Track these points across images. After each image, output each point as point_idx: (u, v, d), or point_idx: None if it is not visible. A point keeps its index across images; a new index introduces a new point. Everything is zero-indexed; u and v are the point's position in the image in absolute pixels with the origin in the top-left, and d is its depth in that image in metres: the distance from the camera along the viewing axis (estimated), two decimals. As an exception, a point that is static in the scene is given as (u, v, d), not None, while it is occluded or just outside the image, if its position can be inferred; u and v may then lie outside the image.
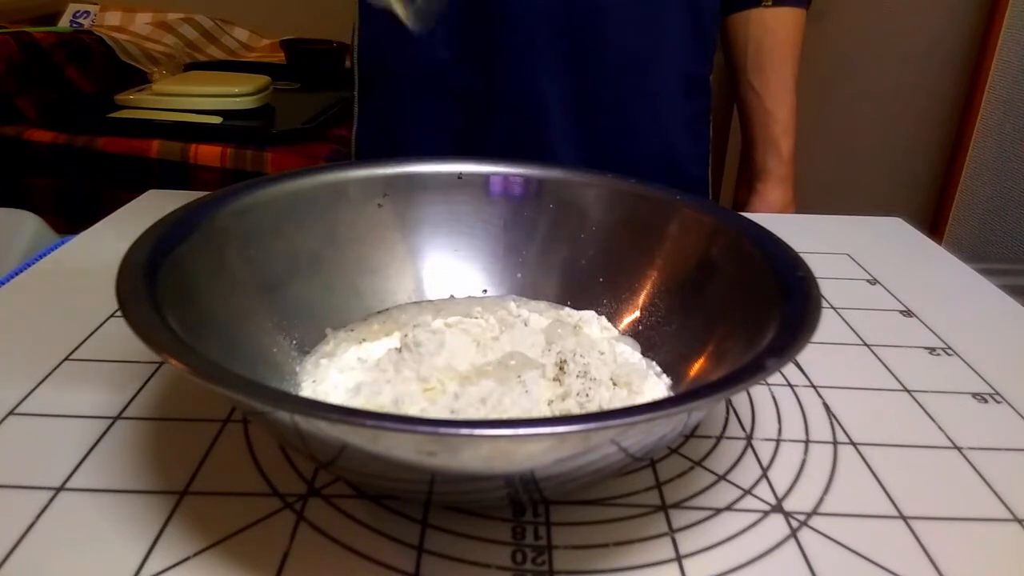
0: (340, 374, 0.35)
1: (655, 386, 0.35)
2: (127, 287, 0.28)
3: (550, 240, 0.43)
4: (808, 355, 0.43)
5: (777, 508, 0.31)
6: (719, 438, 0.36)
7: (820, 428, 0.37)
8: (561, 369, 0.33)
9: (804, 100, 0.78)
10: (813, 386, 0.40)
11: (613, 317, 0.40)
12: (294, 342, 0.36)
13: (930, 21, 1.56)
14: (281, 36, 1.41)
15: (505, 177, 0.43)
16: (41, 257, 0.52)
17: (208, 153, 1.02)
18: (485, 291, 0.43)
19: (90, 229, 0.56)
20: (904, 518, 0.31)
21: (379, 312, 0.40)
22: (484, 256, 0.43)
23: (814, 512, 0.31)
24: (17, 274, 0.49)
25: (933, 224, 1.67)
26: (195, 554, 0.28)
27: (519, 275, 0.43)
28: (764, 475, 0.33)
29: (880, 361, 0.43)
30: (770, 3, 0.74)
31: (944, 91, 1.60)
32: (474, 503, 0.31)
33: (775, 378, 0.41)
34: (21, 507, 0.30)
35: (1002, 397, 0.40)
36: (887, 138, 1.64)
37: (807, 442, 0.36)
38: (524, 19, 0.64)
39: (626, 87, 0.67)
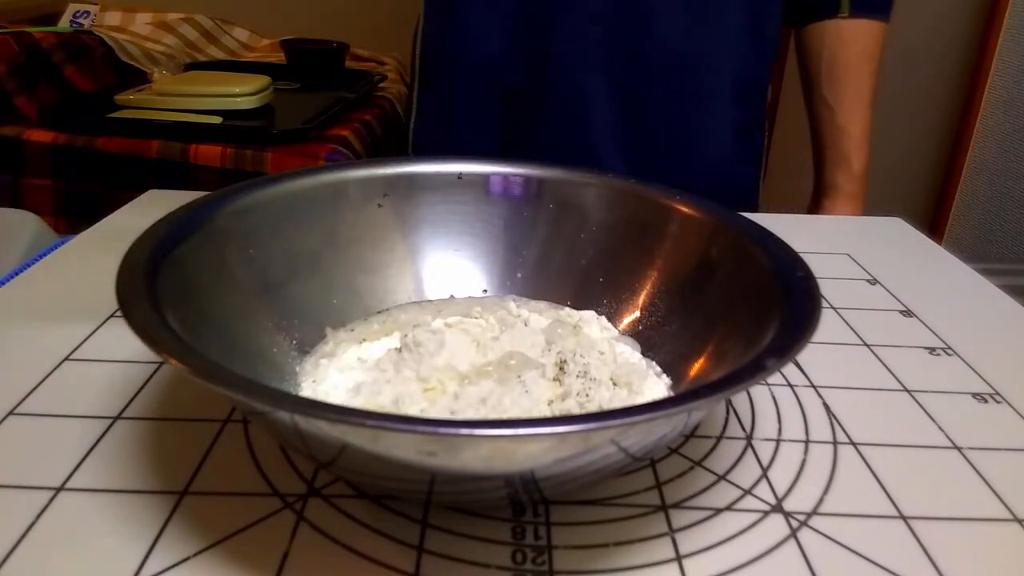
0: (340, 374, 0.35)
1: (655, 386, 0.35)
2: (127, 287, 0.28)
3: (550, 240, 0.43)
4: (808, 355, 0.43)
5: (777, 508, 0.31)
6: (719, 438, 0.36)
7: (820, 428, 0.37)
8: (561, 369, 0.33)
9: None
10: (813, 386, 0.40)
11: (613, 317, 0.40)
12: (294, 342, 0.37)
13: (930, 21, 1.56)
14: (281, 36, 1.41)
15: (505, 177, 0.43)
16: (41, 257, 0.52)
17: (208, 153, 1.02)
18: (485, 291, 0.43)
19: (90, 229, 0.56)
20: (904, 518, 0.31)
21: (379, 312, 0.40)
22: (484, 256, 0.43)
23: (814, 512, 0.31)
24: (17, 274, 0.49)
25: (933, 224, 1.67)
26: (195, 554, 0.28)
27: (519, 275, 0.43)
28: (764, 475, 0.33)
29: (880, 361, 0.43)
30: (846, 14, 0.72)
31: (944, 91, 1.60)
32: (474, 503, 0.31)
33: (775, 378, 0.41)
34: (21, 507, 0.30)
35: (1002, 397, 0.40)
36: (887, 138, 1.64)
37: (807, 442, 0.36)
38: (573, 15, 0.64)
39: (674, 88, 0.67)
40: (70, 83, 1.18)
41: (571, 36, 0.65)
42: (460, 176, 0.42)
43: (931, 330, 0.47)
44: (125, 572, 0.27)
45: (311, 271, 0.39)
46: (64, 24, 1.40)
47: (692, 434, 0.36)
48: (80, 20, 1.41)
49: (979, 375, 0.42)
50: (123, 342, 0.41)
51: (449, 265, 0.43)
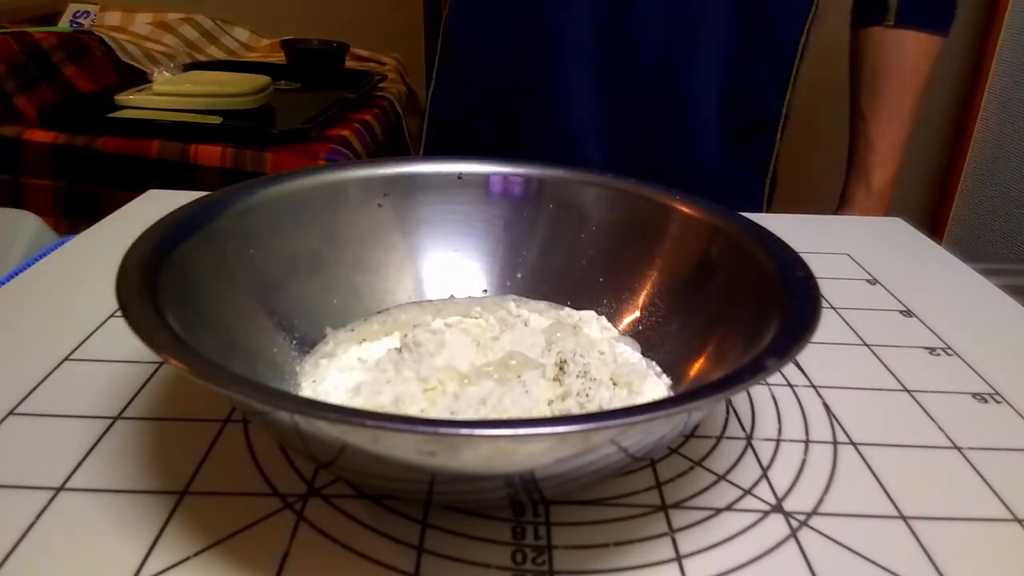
0: (340, 374, 0.35)
1: (655, 386, 0.35)
2: (127, 287, 0.28)
3: (550, 240, 0.43)
4: (808, 355, 0.43)
5: (777, 508, 0.31)
6: (719, 438, 0.36)
7: (820, 428, 0.37)
8: (561, 369, 0.33)
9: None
10: (813, 386, 0.40)
11: (613, 317, 0.40)
12: (294, 342, 0.36)
13: (930, 21, 1.56)
14: (281, 36, 1.41)
15: (505, 177, 0.43)
16: (41, 257, 0.52)
17: (208, 153, 1.02)
18: (485, 291, 0.43)
19: (90, 229, 0.56)
20: (904, 518, 0.31)
21: (379, 312, 0.40)
22: (484, 256, 0.43)
23: (814, 512, 0.31)
24: (17, 274, 0.49)
25: (933, 224, 1.67)
26: (195, 554, 0.28)
27: (519, 275, 0.43)
28: (764, 475, 0.33)
29: (880, 361, 0.43)
30: (892, 23, 0.67)
31: (944, 91, 1.60)
32: (474, 503, 0.31)
33: (775, 378, 0.41)
34: (21, 507, 0.30)
35: (1002, 397, 0.40)
36: (887, 138, 1.64)
37: (807, 442, 0.36)
38: (558, 15, 0.65)
39: (656, 88, 0.67)
40: (70, 83, 1.18)
41: (555, 35, 0.65)
42: (460, 176, 0.42)
43: (931, 330, 0.47)
44: (125, 572, 0.27)
45: (311, 271, 0.39)
46: (64, 24, 1.40)
47: (692, 434, 0.36)
48: (80, 20, 1.41)
49: (979, 375, 0.42)
50: (123, 342, 0.41)
51: (449, 265, 0.43)
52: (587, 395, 0.32)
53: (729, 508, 0.31)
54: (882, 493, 0.32)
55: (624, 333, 0.39)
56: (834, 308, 0.49)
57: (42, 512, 0.30)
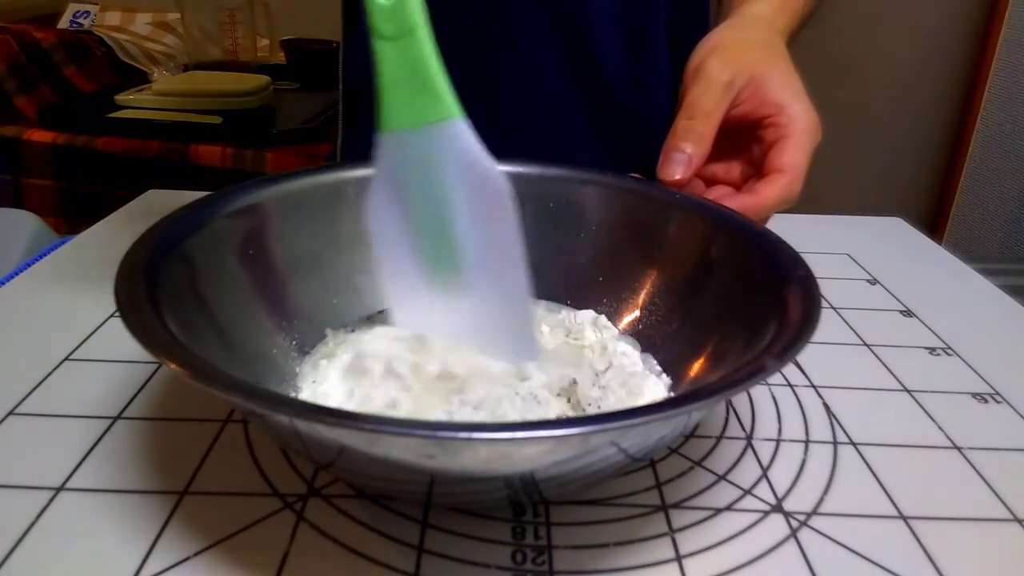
0: (340, 374, 0.35)
1: (655, 387, 0.35)
2: (125, 288, 0.28)
3: (549, 239, 0.42)
4: (808, 355, 0.43)
5: (777, 508, 0.31)
6: (719, 438, 0.36)
7: (820, 428, 0.37)
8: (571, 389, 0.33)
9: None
10: (813, 386, 0.40)
11: (613, 316, 0.40)
12: (294, 343, 0.36)
13: (930, 21, 1.56)
14: (281, 36, 1.41)
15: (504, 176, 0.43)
16: (41, 257, 0.52)
17: (208, 153, 1.02)
18: None
19: (90, 229, 0.56)
20: (904, 518, 0.31)
21: (379, 312, 0.40)
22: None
23: (814, 512, 0.31)
24: (17, 274, 0.49)
25: (933, 224, 1.67)
26: (195, 554, 0.28)
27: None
28: (764, 475, 0.33)
29: (880, 361, 0.43)
30: None
31: (944, 91, 1.60)
32: (474, 504, 0.31)
33: (775, 378, 0.41)
34: (21, 507, 0.30)
35: (1002, 397, 0.40)
36: (887, 138, 1.64)
37: (807, 442, 0.36)
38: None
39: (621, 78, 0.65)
40: (70, 83, 1.18)
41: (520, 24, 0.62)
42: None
43: (931, 330, 0.47)
44: (125, 572, 0.27)
45: (311, 271, 0.39)
46: (64, 24, 1.40)
47: (692, 434, 0.36)
48: (80, 20, 1.41)
49: (979, 375, 0.42)
50: (123, 342, 0.41)
51: (449, 265, 0.42)
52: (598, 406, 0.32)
53: (729, 508, 0.31)
54: (882, 493, 0.32)
55: (624, 332, 0.39)
56: (834, 308, 0.49)
57: (42, 512, 0.30)
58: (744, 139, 0.44)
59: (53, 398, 0.37)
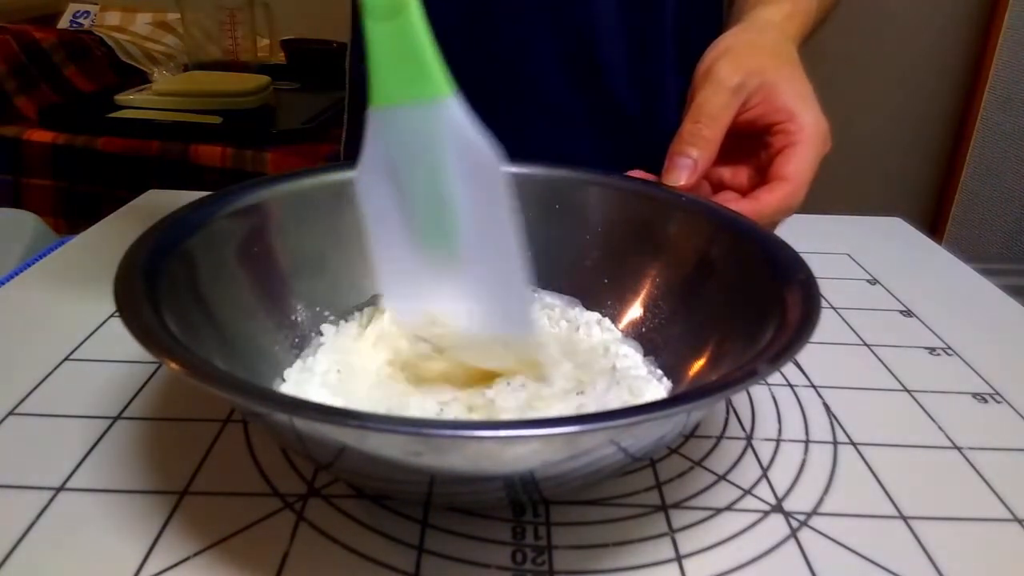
0: (338, 374, 0.35)
1: (656, 389, 0.35)
2: (125, 288, 0.28)
3: (554, 241, 0.42)
4: (808, 355, 0.43)
5: (777, 508, 0.31)
6: (719, 438, 0.36)
7: (820, 428, 0.37)
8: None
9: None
10: (813, 386, 0.40)
11: (617, 318, 0.40)
12: (295, 342, 0.36)
13: (930, 21, 1.56)
14: (281, 36, 1.41)
15: (508, 177, 0.43)
16: (41, 257, 0.52)
17: (208, 153, 1.02)
18: None
19: (90, 229, 0.56)
20: (904, 518, 0.31)
21: (380, 312, 0.40)
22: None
23: (814, 512, 0.31)
24: (17, 274, 0.49)
25: (933, 224, 1.67)
26: (195, 554, 0.28)
27: (522, 275, 0.43)
28: (764, 475, 0.33)
29: (880, 361, 0.43)
30: None
31: (944, 91, 1.60)
32: (473, 504, 0.31)
33: (775, 378, 0.41)
34: (21, 507, 0.30)
35: (1002, 397, 0.40)
36: (887, 138, 1.64)
37: (807, 442, 0.36)
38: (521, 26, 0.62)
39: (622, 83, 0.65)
40: (70, 83, 1.18)
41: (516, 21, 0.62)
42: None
43: (931, 330, 0.47)
44: (125, 572, 0.27)
45: (312, 271, 0.39)
46: (64, 24, 1.40)
47: (692, 434, 0.36)
48: (80, 20, 1.41)
49: (979, 375, 0.42)
50: (123, 342, 0.41)
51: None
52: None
53: (729, 508, 0.31)
54: (882, 493, 0.32)
55: (627, 334, 0.39)
56: (834, 308, 0.49)
57: (42, 512, 0.30)
58: (753, 144, 0.44)
59: (53, 398, 0.37)
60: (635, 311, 0.40)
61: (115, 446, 0.34)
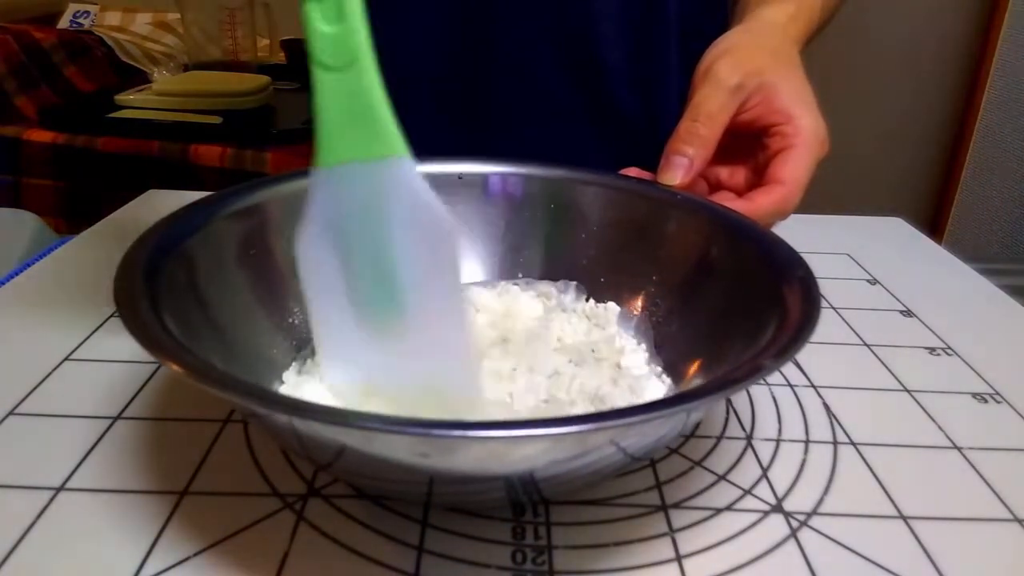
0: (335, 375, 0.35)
1: (657, 387, 0.35)
2: (125, 288, 0.28)
3: (551, 240, 0.43)
4: (808, 355, 0.43)
5: (777, 508, 0.31)
6: (719, 438, 0.36)
7: (820, 428, 0.37)
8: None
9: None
10: (813, 386, 0.40)
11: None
12: (294, 343, 0.36)
13: (930, 21, 1.56)
14: (281, 36, 1.41)
15: (505, 177, 0.43)
16: (41, 257, 0.52)
17: (208, 153, 1.02)
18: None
19: (90, 229, 0.56)
20: (904, 518, 0.31)
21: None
22: (485, 257, 0.43)
23: (814, 512, 0.31)
24: (17, 274, 0.49)
25: (933, 224, 1.67)
26: (195, 554, 0.28)
27: (520, 275, 0.43)
28: (764, 475, 0.33)
29: (880, 361, 0.43)
30: None
31: (944, 91, 1.60)
32: (473, 504, 0.31)
33: (775, 378, 0.41)
34: (21, 507, 0.30)
35: (1002, 397, 0.40)
36: (887, 138, 1.64)
37: (807, 442, 0.36)
38: (520, 28, 0.62)
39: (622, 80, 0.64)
40: (70, 83, 1.18)
41: (519, 42, 0.62)
42: (460, 176, 0.42)
43: (931, 330, 0.47)
44: (125, 572, 0.27)
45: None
46: (64, 24, 1.40)
47: (692, 434, 0.36)
48: (80, 20, 1.41)
49: (979, 375, 0.42)
50: (123, 342, 0.41)
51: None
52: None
53: (729, 508, 0.31)
54: (882, 493, 0.32)
55: (624, 333, 0.39)
56: (834, 308, 0.49)
57: (42, 512, 0.30)
58: (751, 145, 0.44)
59: (53, 398, 0.37)
60: (633, 310, 0.40)
61: (115, 446, 0.34)
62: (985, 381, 0.41)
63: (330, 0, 0.27)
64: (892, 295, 0.51)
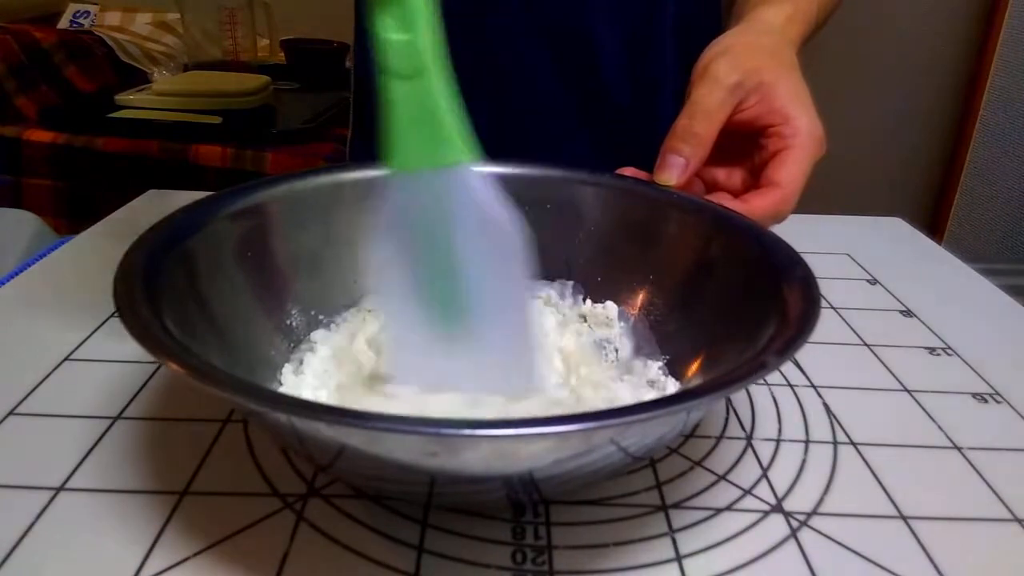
0: (316, 376, 0.35)
1: (657, 387, 0.35)
2: (124, 288, 0.28)
3: (548, 240, 0.42)
4: (808, 355, 0.43)
5: (777, 508, 0.31)
6: (719, 438, 0.36)
7: (820, 428, 0.37)
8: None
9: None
10: (813, 386, 0.40)
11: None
12: (290, 345, 0.36)
13: (930, 21, 1.56)
14: (281, 36, 1.41)
15: (501, 178, 0.43)
16: (41, 257, 0.52)
17: (208, 153, 1.02)
18: None
19: (90, 229, 0.56)
20: (904, 518, 0.31)
21: (370, 311, 0.40)
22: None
23: (814, 512, 0.31)
24: (17, 274, 0.49)
25: (933, 224, 1.67)
26: (195, 554, 0.28)
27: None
28: (764, 475, 0.33)
29: (880, 361, 0.43)
30: None
31: (944, 91, 1.60)
32: (473, 504, 0.31)
33: (775, 378, 0.41)
34: (21, 507, 0.30)
35: (1002, 397, 0.40)
36: (887, 138, 1.64)
37: (807, 442, 0.36)
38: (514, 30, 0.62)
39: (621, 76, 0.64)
40: (70, 83, 1.18)
41: (513, 48, 0.62)
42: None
43: (931, 330, 0.47)
44: (125, 572, 0.27)
45: (310, 272, 0.39)
46: (64, 24, 1.39)
47: (692, 434, 0.36)
48: (80, 20, 1.40)
49: (979, 375, 0.42)
50: (123, 342, 0.41)
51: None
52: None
53: (729, 508, 0.31)
54: (882, 493, 0.32)
55: (622, 334, 0.39)
56: (834, 308, 0.49)
57: (42, 512, 0.30)
58: (748, 146, 0.44)
59: (53, 398, 0.37)
60: (631, 310, 0.40)
61: (115, 446, 0.34)
62: (985, 381, 0.41)
63: (399, 9, 0.27)
64: (892, 295, 0.51)
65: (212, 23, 1.26)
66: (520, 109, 0.64)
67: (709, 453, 0.35)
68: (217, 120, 1.06)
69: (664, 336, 0.38)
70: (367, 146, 0.71)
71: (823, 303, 0.37)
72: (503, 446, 0.23)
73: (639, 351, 0.38)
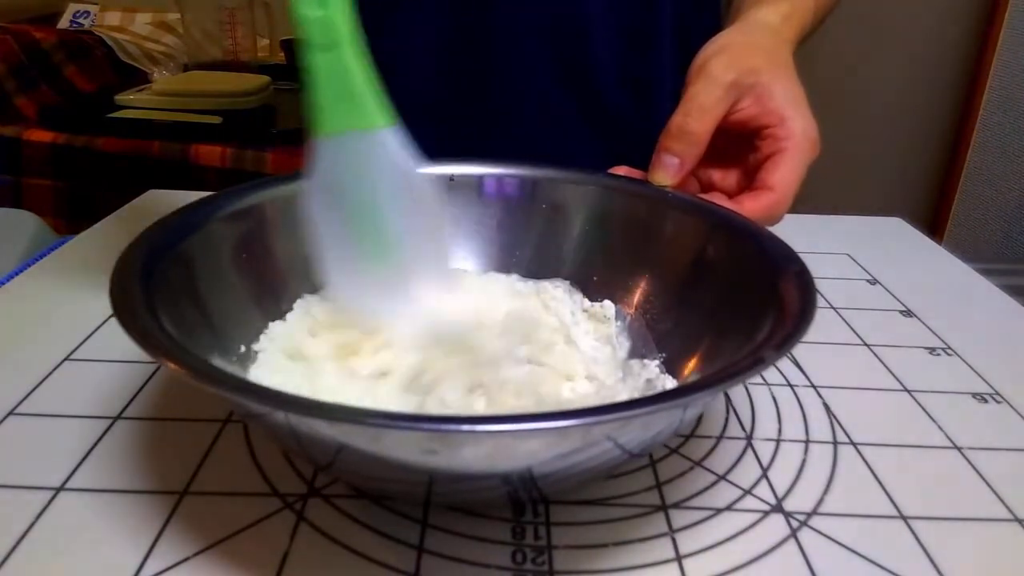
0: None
1: (657, 385, 0.35)
2: (121, 289, 0.28)
3: (544, 240, 0.42)
4: (808, 355, 0.43)
5: (777, 508, 0.31)
6: (719, 438, 0.36)
7: (820, 428, 0.37)
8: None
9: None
10: (813, 386, 0.40)
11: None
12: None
13: (930, 21, 1.56)
14: (281, 36, 1.41)
15: (498, 178, 0.43)
16: (41, 257, 0.52)
17: (208, 153, 1.02)
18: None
19: (90, 229, 0.56)
20: (904, 518, 0.31)
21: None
22: (478, 257, 0.43)
23: (814, 512, 0.31)
24: (17, 274, 0.49)
25: (933, 224, 1.67)
26: (195, 554, 0.28)
27: (513, 275, 0.43)
28: (764, 475, 0.33)
29: (880, 361, 0.43)
30: None
31: (944, 91, 1.60)
32: (473, 502, 0.31)
33: (775, 378, 0.41)
34: (21, 507, 0.30)
35: (1002, 397, 0.40)
36: (887, 138, 1.64)
37: (807, 442, 0.36)
38: (514, 33, 0.62)
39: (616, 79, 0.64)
40: (70, 83, 1.18)
41: (513, 50, 0.62)
42: (452, 178, 0.42)
43: (931, 330, 0.47)
44: (125, 572, 0.27)
45: (308, 273, 0.39)
46: (64, 24, 1.40)
47: (692, 434, 0.36)
48: (80, 20, 1.41)
49: (979, 375, 0.42)
50: (123, 342, 0.41)
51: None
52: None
53: (729, 508, 0.31)
54: (882, 493, 0.32)
55: (619, 332, 0.39)
56: (834, 308, 0.49)
57: (42, 512, 0.30)
58: (743, 147, 0.44)
59: (53, 398, 0.37)
60: (627, 309, 0.40)
61: (115, 446, 0.34)
62: (985, 381, 0.41)
63: None
64: (892, 295, 0.51)
65: (212, 23, 1.26)
66: (517, 109, 0.64)
67: (709, 453, 0.35)
68: (217, 120, 1.06)
69: (661, 334, 0.38)
70: None
71: (823, 303, 0.37)
72: (501, 442, 0.23)
73: (636, 350, 0.38)
